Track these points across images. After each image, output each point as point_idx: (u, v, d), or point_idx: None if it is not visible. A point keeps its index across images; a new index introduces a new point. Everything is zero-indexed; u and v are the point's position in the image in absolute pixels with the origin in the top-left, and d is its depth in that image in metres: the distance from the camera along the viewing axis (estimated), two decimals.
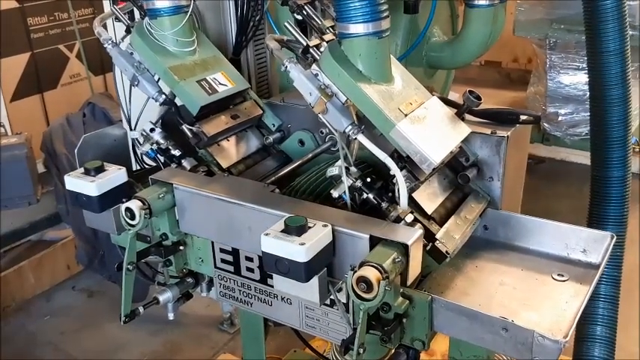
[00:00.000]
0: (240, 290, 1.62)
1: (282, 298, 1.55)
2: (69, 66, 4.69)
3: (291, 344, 3.05)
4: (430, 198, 1.57)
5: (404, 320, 1.33)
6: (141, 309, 1.62)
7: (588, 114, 2.19)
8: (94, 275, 3.92)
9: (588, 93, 2.19)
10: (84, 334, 3.61)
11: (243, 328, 2.47)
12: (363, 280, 1.19)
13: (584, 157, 4.65)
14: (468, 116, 1.65)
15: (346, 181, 1.45)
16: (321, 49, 1.53)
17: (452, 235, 1.51)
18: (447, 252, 1.45)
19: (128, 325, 3.74)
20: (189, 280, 1.71)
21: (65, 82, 4.68)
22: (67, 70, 4.68)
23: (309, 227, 1.29)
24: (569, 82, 4.59)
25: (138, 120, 1.83)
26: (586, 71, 2.14)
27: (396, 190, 1.42)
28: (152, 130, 1.74)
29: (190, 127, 1.70)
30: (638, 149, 4.81)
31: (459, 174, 1.60)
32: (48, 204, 3.77)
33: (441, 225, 1.53)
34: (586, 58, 2.13)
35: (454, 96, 2.01)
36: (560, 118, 4.71)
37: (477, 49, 2.42)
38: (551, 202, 4.25)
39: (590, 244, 1.55)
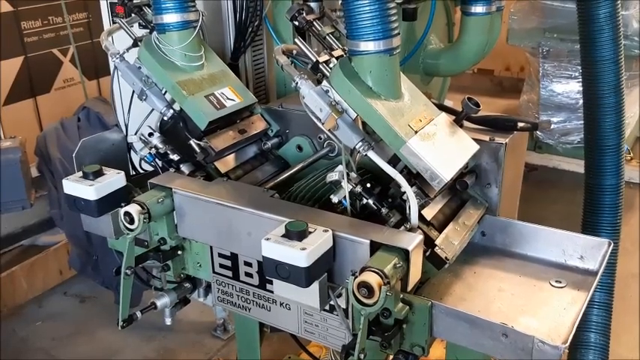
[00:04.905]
0: (238, 295, 1.61)
1: (281, 304, 1.55)
2: (62, 70, 4.66)
3: (286, 350, 3.04)
4: (429, 204, 1.57)
5: (404, 326, 1.34)
6: (138, 314, 1.61)
7: (580, 122, 2.21)
8: (87, 281, 3.89)
9: (581, 101, 2.21)
10: (76, 340, 3.58)
11: (239, 334, 2.46)
12: (365, 286, 1.19)
13: (576, 165, 4.69)
14: (466, 123, 1.66)
15: (346, 187, 1.46)
16: (331, 65, 1.54)
17: (451, 241, 1.52)
18: (446, 258, 1.46)
19: (121, 331, 3.72)
20: (187, 285, 1.71)
21: (59, 87, 4.66)
22: (60, 74, 4.65)
23: (310, 232, 1.29)
24: (562, 91, 4.63)
25: (139, 128, 1.83)
26: (578, 80, 2.16)
27: (407, 207, 1.43)
28: (151, 134, 1.75)
29: (198, 142, 1.70)
30: (630, 157, 4.86)
31: (458, 180, 1.60)
32: (41, 209, 3.74)
33: (439, 231, 1.53)
34: (578, 67, 2.16)
35: (448, 104, 2.03)
36: (552, 126, 4.74)
37: (474, 57, 2.44)
38: (543, 209, 4.28)
39: (588, 251, 1.56)
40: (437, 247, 1.45)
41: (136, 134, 1.80)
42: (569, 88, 4.58)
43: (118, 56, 1.74)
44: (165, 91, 1.75)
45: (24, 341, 3.58)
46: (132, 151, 1.86)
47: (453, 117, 1.62)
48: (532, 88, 4.95)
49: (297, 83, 1.49)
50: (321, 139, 1.81)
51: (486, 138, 1.62)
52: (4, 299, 3.74)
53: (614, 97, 2.10)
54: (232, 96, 1.78)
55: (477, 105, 1.58)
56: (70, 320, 3.75)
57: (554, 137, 4.82)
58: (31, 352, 3.50)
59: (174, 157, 1.73)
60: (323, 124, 1.45)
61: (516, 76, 6.78)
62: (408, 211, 1.42)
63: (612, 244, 1.54)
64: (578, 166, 4.36)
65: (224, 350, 3.47)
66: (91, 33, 4.72)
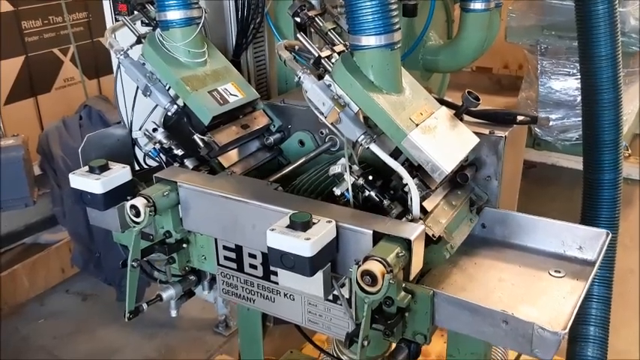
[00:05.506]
0: (242, 287, 1.64)
1: (285, 294, 1.57)
2: (63, 70, 4.68)
3: (287, 346, 3.06)
4: (430, 197, 1.59)
5: (406, 314, 1.36)
6: (144, 305, 1.63)
7: (579, 119, 2.22)
8: (88, 278, 3.91)
9: (579, 98, 2.22)
10: (78, 338, 3.60)
11: (241, 329, 2.48)
12: (368, 274, 1.21)
13: (574, 162, 4.70)
14: (466, 117, 1.69)
15: (349, 179, 1.48)
16: (332, 60, 1.56)
17: (438, 219, 1.54)
18: (433, 235, 1.48)
19: (122, 329, 3.75)
20: (192, 277, 1.73)
21: (59, 86, 4.68)
22: (61, 73, 4.68)
23: (314, 223, 1.31)
24: (560, 88, 4.65)
25: (143, 124, 1.85)
26: (577, 77, 2.18)
27: (409, 199, 1.45)
28: (155, 129, 1.77)
29: (202, 137, 1.72)
30: (628, 154, 4.89)
31: (458, 173, 1.63)
32: (43, 206, 3.76)
33: None
34: (577, 64, 2.17)
35: None
36: (551, 123, 4.77)
37: (473, 53, 2.47)
38: (542, 205, 4.30)
39: (586, 242, 1.58)
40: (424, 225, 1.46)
41: (139, 130, 1.82)
42: (567, 85, 4.60)
43: (122, 53, 1.76)
44: (169, 87, 1.78)
45: (25, 340, 3.59)
46: (136, 147, 1.89)
47: (454, 111, 1.64)
48: (530, 86, 4.97)
49: (299, 78, 1.51)
50: (322, 133, 1.83)
51: (486, 131, 1.64)
52: (6, 297, 3.76)
53: (612, 92, 2.12)
54: (235, 92, 1.81)
55: (477, 99, 1.60)
56: (72, 318, 3.77)
57: (552, 134, 4.84)
58: (32, 351, 3.51)
59: (179, 152, 1.75)
60: (325, 117, 1.48)
61: (515, 73, 6.79)
62: (409, 203, 1.44)
63: (610, 235, 1.57)
64: (576, 162, 4.37)
65: (226, 347, 3.49)
66: (91, 32, 4.75)
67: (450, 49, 2.55)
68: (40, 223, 4.02)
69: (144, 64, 1.76)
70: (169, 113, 1.76)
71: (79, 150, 1.71)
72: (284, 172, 1.75)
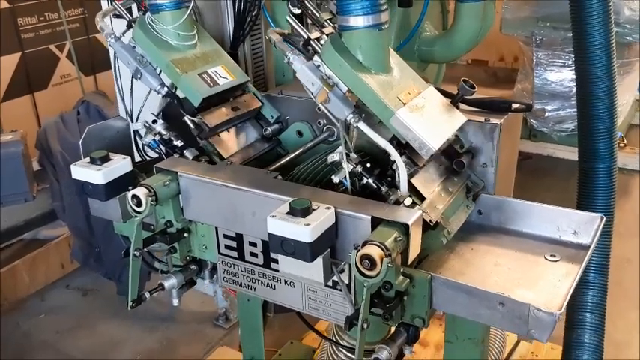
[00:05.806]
0: (243, 275, 1.66)
1: (285, 282, 1.59)
2: (59, 66, 4.70)
3: (287, 337, 3.10)
4: (427, 184, 1.62)
5: (404, 298, 1.38)
6: (147, 294, 1.65)
7: (574, 110, 2.23)
8: (88, 274, 3.93)
9: (575, 89, 2.24)
10: (79, 333, 3.63)
11: (242, 320, 2.51)
12: (367, 258, 1.23)
13: (570, 153, 4.73)
14: (461, 105, 1.71)
15: (347, 167, 1.50)
16: (322, 42, 1.58)
17: (435, 205, 1.56)
18: (430, 221, 1.50)
19: (123, 323, 3.77)
20: (193, 267, 1.75)
21: (56, 83, 4.69)
22: (57, 70, 4.69)
23: (314, 209, 1.33)
24: (555, 79, 4.68)
25: (139, 114, 1.86)
26: (572, 68, 2.19)
27: (397, 176, 1.47)
28: (154, 121, 1.78)
29: (192, 119, 1.73)
30: (623, 144, 4.93)
31: (455, 160, 1.65)
32: (43, 202, 3.78)
33: None
34: (571, 55, 2.18)
35: None
36: (546, 115, 4.80)
37: (468, 44, 2.49)
38: (538, 196, 4.32)
39: (581, 226, 1.60)
40: (422, 212, 1.48)
41: (137, 120, 1.83)
42: (562, 76, 4.63)
43: (112, 36, 1.77)
44: (160, 71, 1.79)
45: (27, 335, 3.62)
46: (137, 138, 1.90)
47: (449, 99, 1.66)
48: (526, 77, 5.00)
49: (289, 59, 1.53)
50: (320, 124, 1.85)
51: (482, 119, 1.66)
52: (6, 293, 3.78)
53: (606, 81, 2.13)
54: (225, 74, 1.82)
55: (473, 87, 1.63)
56: (72, 313, 3.79)
57: (548, 125, 4.87)
58: (34, 346, 3.53)
59: (178, 143, 1.77)
60: (315, 97, 1.50)
61: (510, 66, 6.83)
62: (397, 179, 1.47)
63: (604, 219, 1.59)
64: (572, 153, 4.38)
65: (226, 339, 3.52)
66: (87, 29, 4.76)
67: (445, 39, 2.57)
68: (40, 219, 4.03)
69: (134, 47, 1.78)
70: (160, 95, 1.77)
71: (80, 142, 1.73)
72: (282, 162, 1.77)
